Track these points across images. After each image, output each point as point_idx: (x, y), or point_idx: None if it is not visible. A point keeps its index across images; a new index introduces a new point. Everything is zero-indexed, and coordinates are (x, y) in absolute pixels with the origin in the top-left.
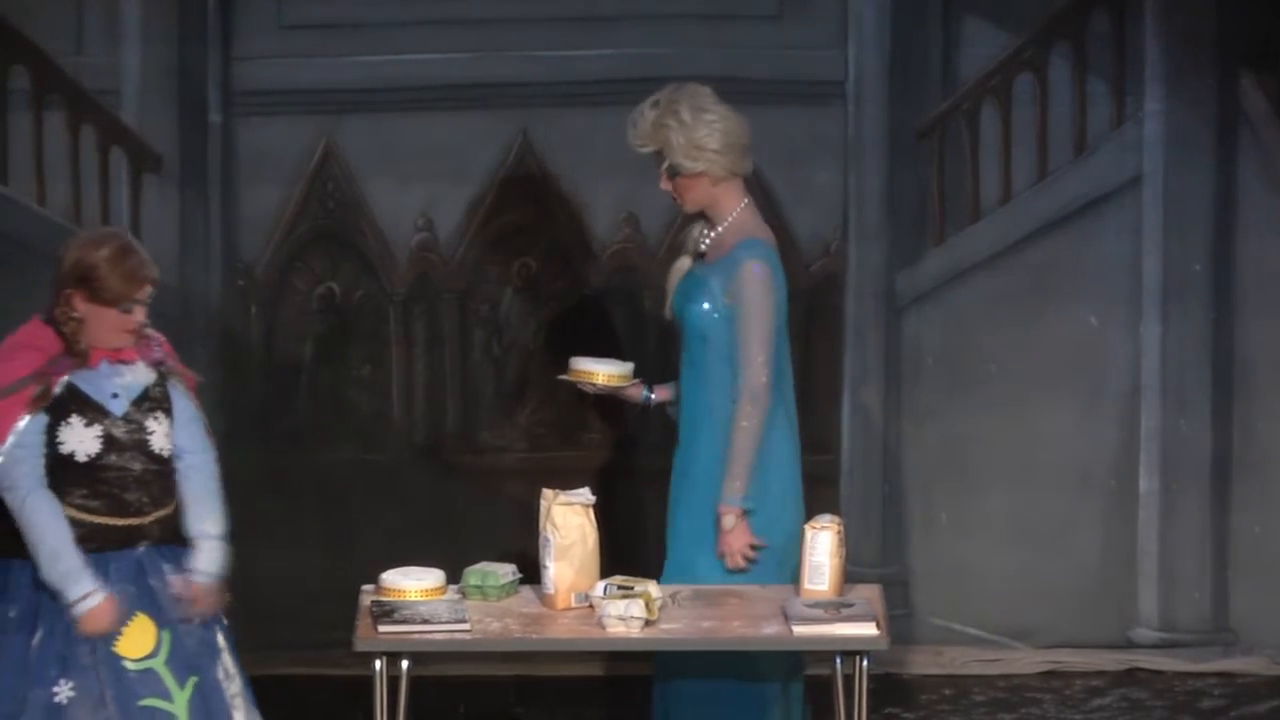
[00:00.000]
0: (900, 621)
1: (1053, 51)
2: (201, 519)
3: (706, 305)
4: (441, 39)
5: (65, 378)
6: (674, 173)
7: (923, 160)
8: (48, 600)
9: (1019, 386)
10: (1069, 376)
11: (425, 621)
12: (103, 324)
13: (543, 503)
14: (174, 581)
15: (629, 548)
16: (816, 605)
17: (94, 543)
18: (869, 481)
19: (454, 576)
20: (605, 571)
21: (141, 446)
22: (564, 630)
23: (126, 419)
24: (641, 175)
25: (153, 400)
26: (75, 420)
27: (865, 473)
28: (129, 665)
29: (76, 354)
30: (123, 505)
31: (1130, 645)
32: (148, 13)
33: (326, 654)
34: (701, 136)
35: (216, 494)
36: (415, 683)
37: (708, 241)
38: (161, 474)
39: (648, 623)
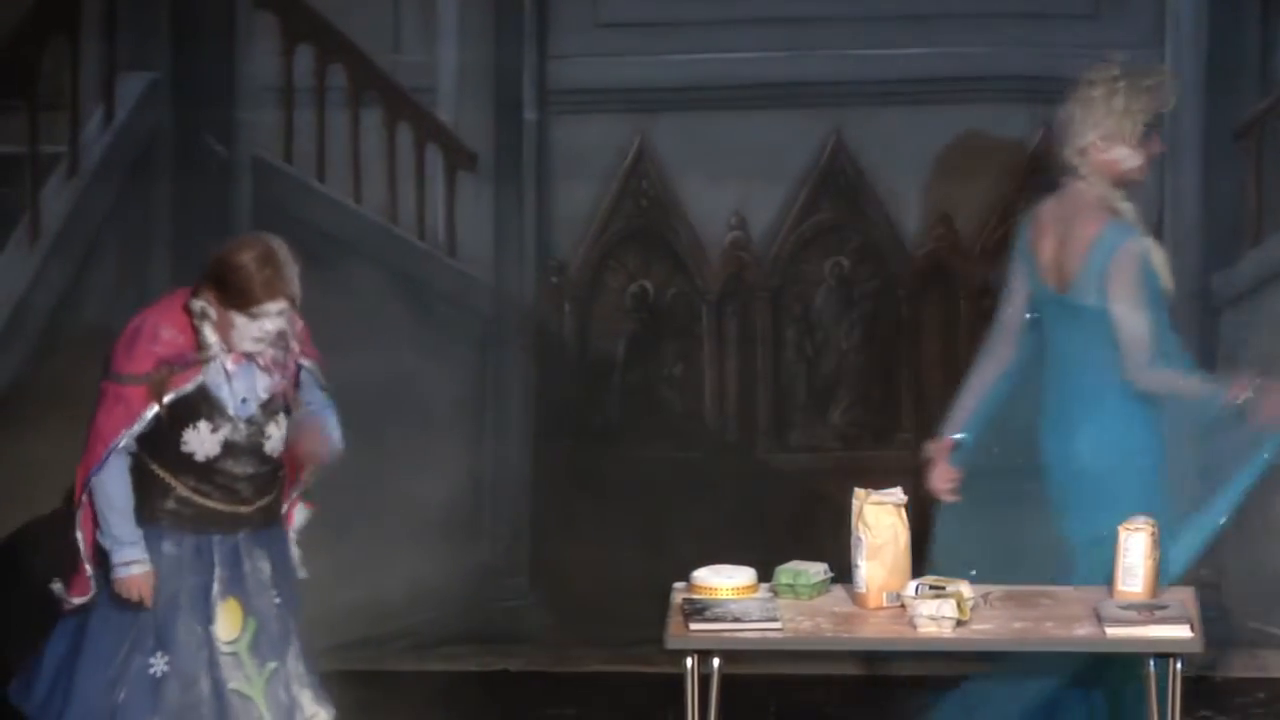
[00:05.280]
0: (1214, 624)
1: None
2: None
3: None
4: (756, 37)
5: (199, 378)
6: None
7: (1239, 161)
8: (160, 572)
9: None
10: None
11: (737, 619)
12: (231, 328)
13: (855, 502)
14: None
15: None
16: (1130, 607)
17: (200, 523)
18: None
19: (765, 575)
20: (916, 571)
21: (257, 450)
22: (875, 629)
23: (250, 421)
24: (956, 175)
25: (278, 402)
26: (203, 425)
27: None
28: (223, 648)
29: (201, 351)
30: (232, 494)
31: None
32: (464, 11)
33: (638, 651)
34: None
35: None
36: (725, 681)
37: None
38: (271, 472)
39: (959, 623)
